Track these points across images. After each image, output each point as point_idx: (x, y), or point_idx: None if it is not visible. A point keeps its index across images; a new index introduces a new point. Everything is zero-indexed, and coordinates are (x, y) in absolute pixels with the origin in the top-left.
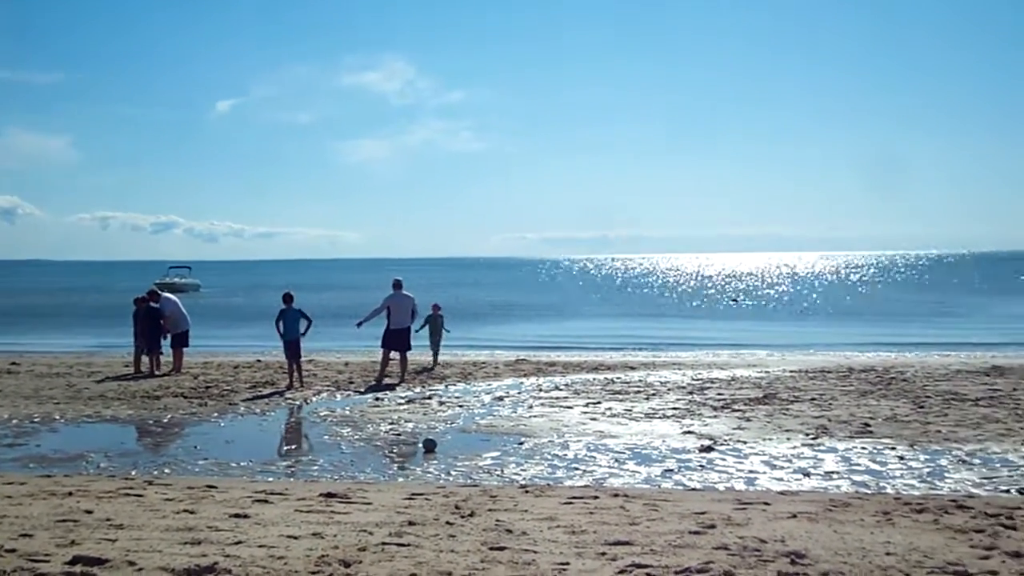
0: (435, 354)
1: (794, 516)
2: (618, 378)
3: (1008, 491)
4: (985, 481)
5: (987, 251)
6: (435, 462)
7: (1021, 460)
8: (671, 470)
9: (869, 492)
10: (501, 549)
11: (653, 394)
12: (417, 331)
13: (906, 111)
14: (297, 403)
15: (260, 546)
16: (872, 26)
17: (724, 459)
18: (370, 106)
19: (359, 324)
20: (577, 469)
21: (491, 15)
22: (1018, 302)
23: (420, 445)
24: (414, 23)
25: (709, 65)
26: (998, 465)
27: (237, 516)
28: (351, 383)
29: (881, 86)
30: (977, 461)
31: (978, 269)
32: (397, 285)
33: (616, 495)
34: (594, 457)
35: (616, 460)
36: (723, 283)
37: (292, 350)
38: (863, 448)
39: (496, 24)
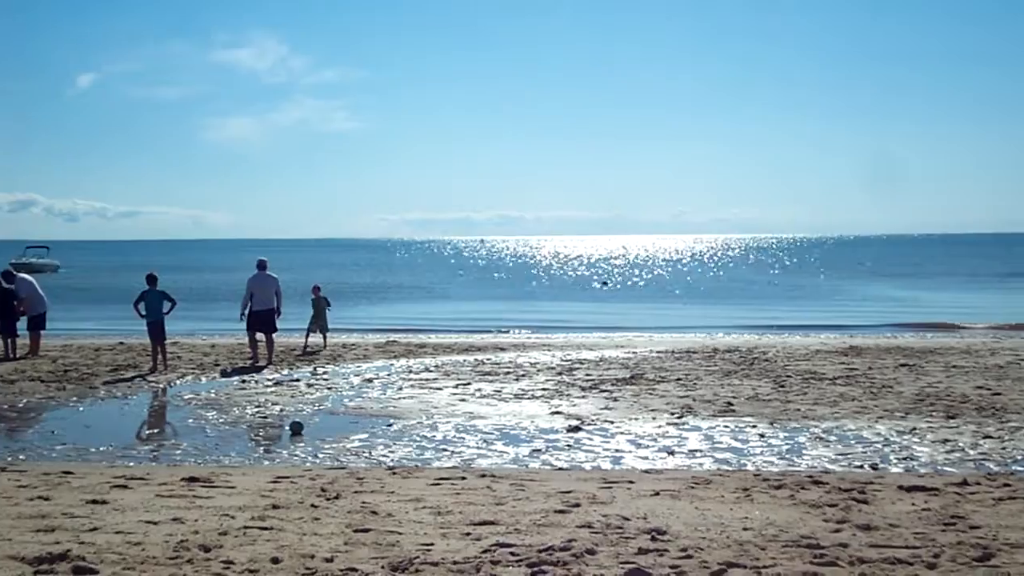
0: (322, 336)
1: (657, 494)
2: (488, 359)
3: (862, 466)
4: (840, 457)
5: (870, 234)
6: (302, 445)
7: (875, 437)
8: (539, 450)
9: (730, 469)
10: (366, 531)
11: (523, 375)
12: (311, 323)
13: (785, 93)
14: (160, 386)
15: (117, 532)
16: None
17: (591, 439)
18: (241, 84)
19: (241, 317)
20: (446, 450)
21: None
22: (877, 285)
23: (287, 428)
24: (285, 2)
25: (579, 48)
26: (853, 442)
27: (94, 502)
28: (217, 365)
29: (764, 70)
30: (833, 438)
31: (845, 252)
32: (261, 266)
33: (483, 476)
34: (463, 438)
35: (485, 441)
36: (593, 265)
37: (155, 332)
38: (726, 427)
39: (370, 3)
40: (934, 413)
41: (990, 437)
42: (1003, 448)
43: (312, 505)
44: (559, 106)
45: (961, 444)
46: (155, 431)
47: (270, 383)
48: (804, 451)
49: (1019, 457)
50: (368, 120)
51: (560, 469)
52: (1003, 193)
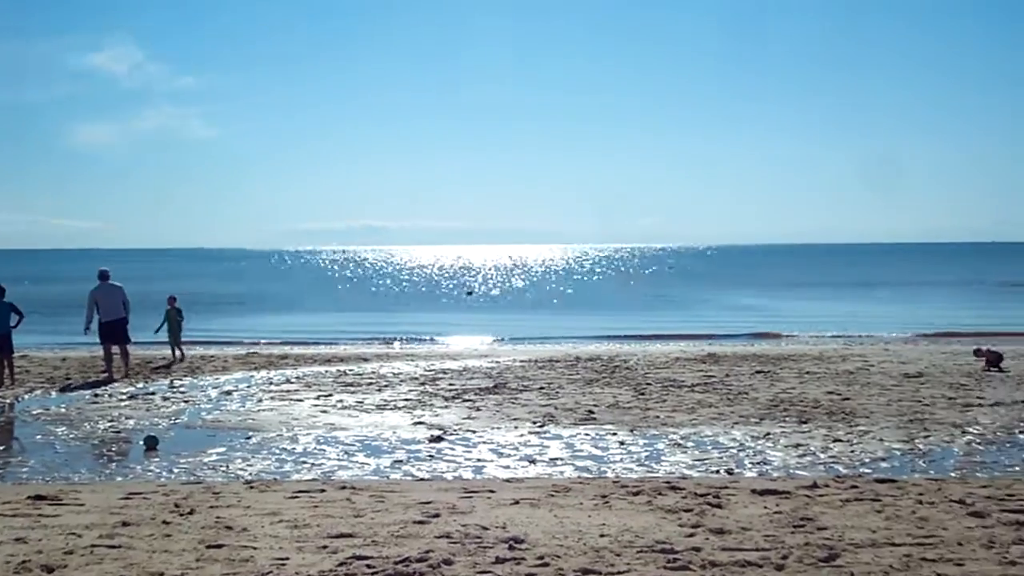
0: (175, 348)
1: (517, 502)
2: (351, 370)
3: (717, 471)
4: (698, 463)
5: (724, 244)
6: (156, 460)
7: (731, 442)
8: (400, 461)
9: (590, 476)
10: (219, 547)
11: (386, 385)
12: (156, 331)
13: (658, 102)
14: (8, 401)
15: None
16: None
17: (453, 448)
18: (96, 89)
19: (86, 331)
20: (305, 463)
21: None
22: (736, 294)
23: (141, 442)
24: (141, 4)
25: (456, 55)
26: (710, 447)
27: None
28: (68, 379)
29: (643, 77)
30: (691, 444)
31: (705, 262)
32: (103, 276)
33: (343, 487)
34: (323, 450)
35: (346, 452)
36: (460, 275)
37: (2, 345)
38: (587, 434)
39: (229, 8)
40: (787, 418)
41: (840, 441)
42: (852, 451)
43: (164, 521)
44: (433, 114)
45: (812, 448)
46: (0, 448)
47: (124, 397)
48: (662, 457)
49: (867, 460)
50: (229, 126)
51: (421, 480)
52: (921, 203)
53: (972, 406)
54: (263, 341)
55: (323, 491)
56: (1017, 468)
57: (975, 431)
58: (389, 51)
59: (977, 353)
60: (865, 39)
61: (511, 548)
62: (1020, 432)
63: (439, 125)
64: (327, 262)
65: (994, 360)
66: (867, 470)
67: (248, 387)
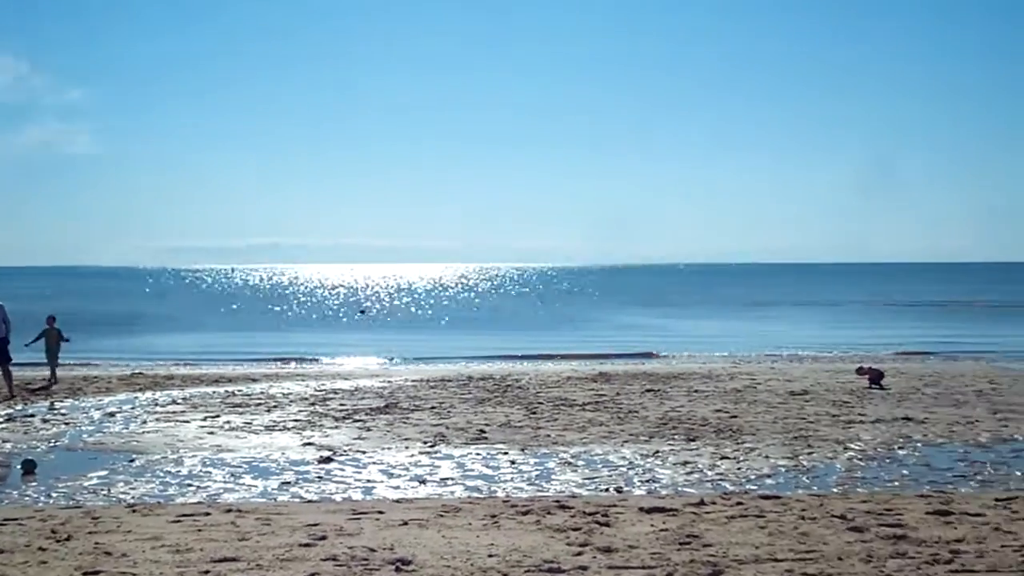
0: (52, 369)
1: (406, 523)
2: (239, 391)
3: (607, 490)
4: (587, 481)
5: (612, 264)
6: (34, 484)
7: (620, 460)
8: (288, 482)
9: (481, 496)
10: (96, 573)
11: (275, 406)
12: (28, 344)
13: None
14: None
15: None
16: None
17: (343, 469)
18: None
19: None
20: (190, 485)
21: (112, 11)
22: (626, 312)
23: (18, 466)
24: (24, 16)
25: (359, 67)
26: (600, 466)
27: None
28: None
29: (555, 98)
30: (581, 463)
31: (596, 281)
32: None
33: (229, 510)
34: (209, 472)
35: (232, 475)
36: (356, 293)
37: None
38: (478, 454)
39: (120, 19)
40: (676, 436)
41: (727, 458)
42: (738, 468)
43: (40, 548)
44: (337, 128)
45: (700, 465)
46: None
47: (2, 419)
48: (553, 476)
49: (752, 476)
50: (112, 143)
51: (309, 501)
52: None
53: (854, 423)
54: (148, 361)
55: (208, 514)
56: (896, 483)
57: (857, 447)
58: (306, 67)
59: (859, 371)
60: (836, 62)
61: (398, 570)
62: (900, 448)
63: (342, 137)
64: (219, 280)
65: (875, 377)
66: (753, 487)
67: (132, 408)
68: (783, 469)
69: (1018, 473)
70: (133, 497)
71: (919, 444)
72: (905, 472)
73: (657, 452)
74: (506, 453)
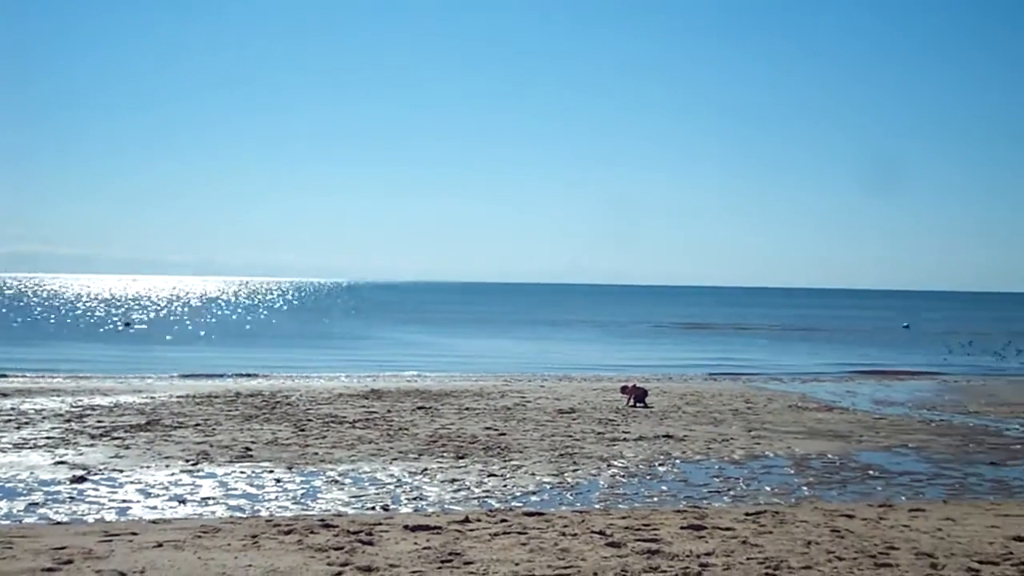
0: None
1: (160, 545)
2: None
3: (373, 508)
4: (354, 500)
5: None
6: None
7: (388, 478)
8: (36, 503)
9: (243, 516)
10: None
11: (25, 423)
12: None
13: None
14: None
15: None
16: None
17: (97, 489)
18: None
19: None
20: None
21: None
22: (390, 328)
23: None
24: None
25: (148, 60)
26: (367, 484)
27: None
28: None
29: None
30: (349, 480)
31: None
32: None
33: None
34: None
35: None
36: (121, 306)
37: None
38: (242, 472)
39: None
40: (445, 454)
41: (494, 475)
42: (505, 485)
43: None
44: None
45: (468, 483)
46: None
47: None
48: (319, 495)
49: (518, 493)
50: None
51: (58, 523)
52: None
53: (618, 440)
54: None
55: None
56: (655, 499)
57: (619, 464)
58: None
59: (624, 390)
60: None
61: None
62: (660, 465)
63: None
64: None
65: (639, 396)
66: (518, 503)
67: None
68: (548, 486)
69: (767, 488)
70: None
71: (678, 461)
72: (664, 488)
73: (426, 470)
74: (272, 471)
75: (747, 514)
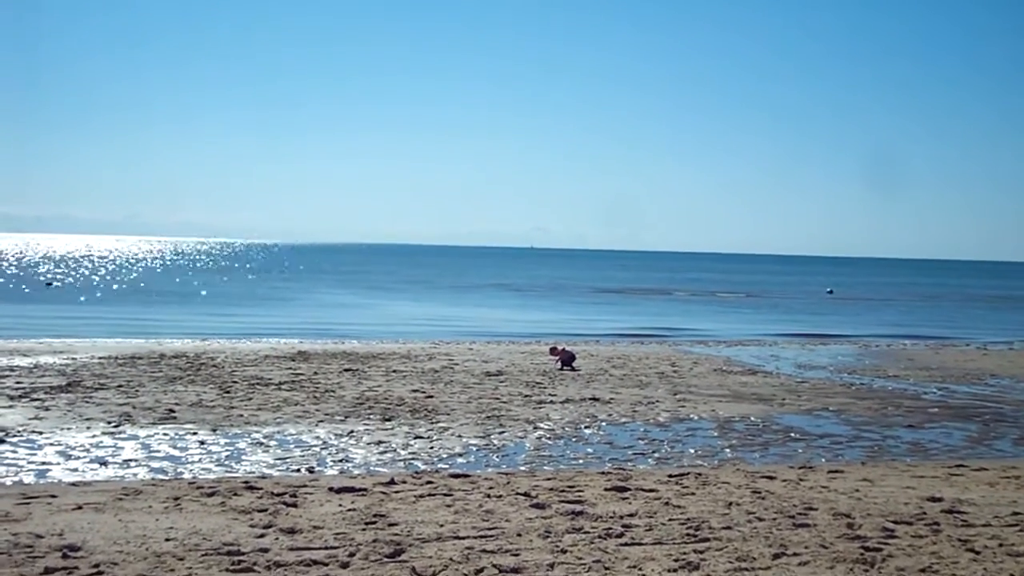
0: None
1: (80, 507)
2: None
3: (299, 470)
4: (279, 462)
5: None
6: None
7: (314, 440)
8: None
9: (165, 478)
10: None
11: None
12: None
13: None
14: None
15: None
16: None
17: (15, 451)
18: None
19: None
20: None
21: None
22: (337, 293)
23: None
24: None
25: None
26: (292, 446)
27: None
28: None
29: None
30: (274, 443)
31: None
32: None
33: None
34: None
35: None
36: (36, 265)
37: None
38: (165, 434)
39: None
40: (372, 416)
41: (421, 437)
42: (431, 447)
43: None
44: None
45: (394, 445)
46: None
47: None
48: (243, 457)
49: (444, 456)
50: None
51: None
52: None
53: (545, 403)
54: None
55: None
56: (580, 461)
57: (546, 427)
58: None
59: (552, 352)
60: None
61: (65, 557)
62: (586, 427)
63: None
64: None
65: (567, 359)
66: (444, 465)
67: None
68: (474, 448)
69: (691, 450)
70: None
71: (604, 423)
72: (589, 450)
73: (352, 432)
74: (195, 433)
75: (670, 476)
